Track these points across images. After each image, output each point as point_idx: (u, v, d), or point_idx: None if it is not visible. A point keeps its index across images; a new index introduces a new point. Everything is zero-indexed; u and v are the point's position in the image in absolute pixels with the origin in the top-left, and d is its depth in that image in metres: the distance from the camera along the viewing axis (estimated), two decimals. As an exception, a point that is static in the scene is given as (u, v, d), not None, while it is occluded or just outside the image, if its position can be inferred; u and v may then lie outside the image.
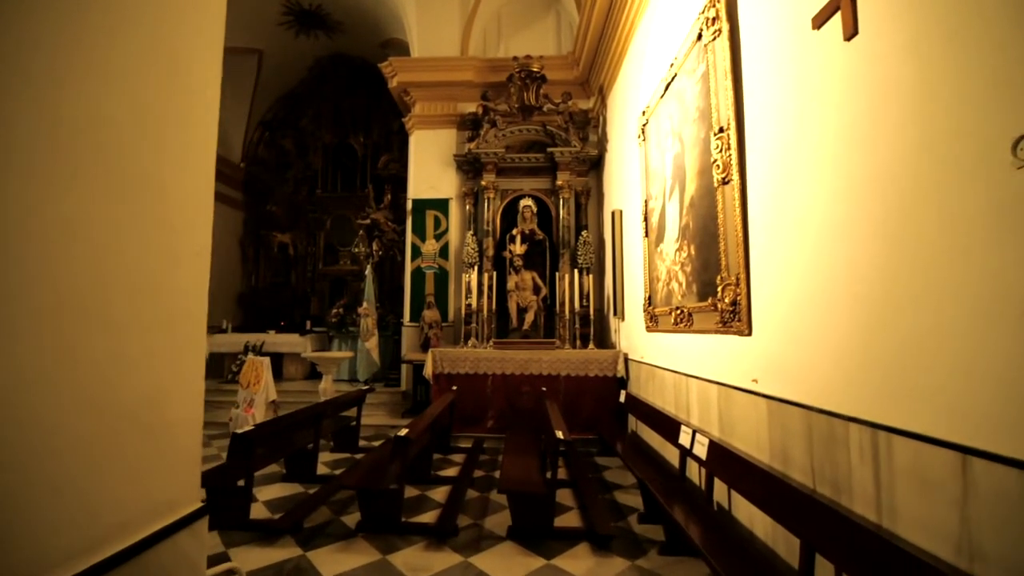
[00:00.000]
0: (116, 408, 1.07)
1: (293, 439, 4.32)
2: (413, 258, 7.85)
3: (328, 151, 11.90)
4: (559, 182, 7.22)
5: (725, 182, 3.01)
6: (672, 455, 3.82)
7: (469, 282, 7.00)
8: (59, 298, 0.97)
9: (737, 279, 2.87)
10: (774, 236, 2.58)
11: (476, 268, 7.04)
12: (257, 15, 9.70)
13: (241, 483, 3.32)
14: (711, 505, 2.94)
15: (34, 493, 0.94)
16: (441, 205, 7.83)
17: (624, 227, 5.94)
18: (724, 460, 2.76)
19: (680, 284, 3.85)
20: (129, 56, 1.15)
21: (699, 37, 3.36)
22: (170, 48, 1.30)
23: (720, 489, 2.99)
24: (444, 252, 7.79)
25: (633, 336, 5.51)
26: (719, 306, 3.06)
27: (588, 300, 6.72)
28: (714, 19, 3.11)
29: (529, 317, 6.95)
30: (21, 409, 0.91)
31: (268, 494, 3.93)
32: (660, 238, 4.39)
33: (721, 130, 3.04)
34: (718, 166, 3.06)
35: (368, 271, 8.24)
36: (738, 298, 2.86)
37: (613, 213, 6.17)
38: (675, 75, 3.90)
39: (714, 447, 2.88)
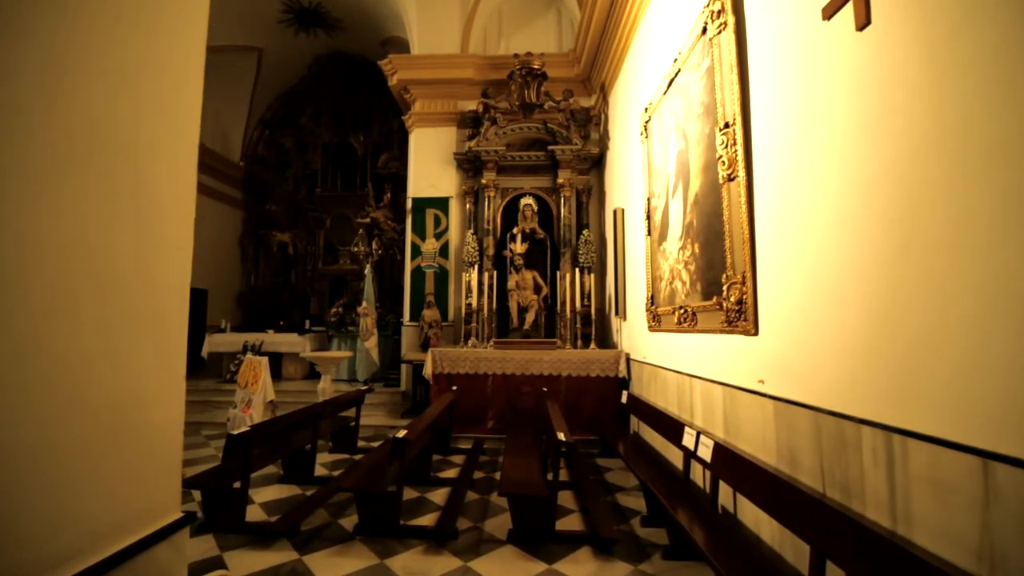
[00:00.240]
0: (85, 410, 1.00)
1: (291, 440, 4.27)
2: (413, 257, 7.79)
3: (328, 150, 11.85)
4: (560, 180, 7.16)
5: (731, 178, 2.94)
6: (675, 456, 3.76)
7: (469, 281, 6.94)
8: (22, 291, 0.91)
9: (743, 277, 2.80)
10: (781, 233, 2.52)
11: (476, 267, 6.98)
12: (257, 13, 9.65)
13: (237, 485, 3.26)
14: (716, 508, 2.87)
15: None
16: (441, 204, 7.77)
17: (626, 225, 5.88)
18: (729, 462, 2.69)
19: (684, 283, 3.79)
20: (107, 44, 1.09)
21: (704, 31, 3.30)
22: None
23: (725, 492, 2.93)
24: (444, 251, 7.73)
25: (635, 336, 5.44)
26: (724, 305, 3.00)
27: (589, 299, 6.66)
28: (719, 12, 3.05)
29: (530, 317, 6.89)
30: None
31: (265, 496, 3.87)
32: (663, 236, 4.32)
33: (727, 125, 2.97)
34: (723, 162, 3.00)
35: (368, 270, 8.18)
36: (744, 297, 2.79)
37: (615, 211, 6.11)
38: (679, 70, 3.83)
39: (719, 449, 2.82)
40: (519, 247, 7.04)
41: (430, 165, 7.90)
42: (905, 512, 1.68)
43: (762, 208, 2.70)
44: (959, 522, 1.48)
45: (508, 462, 3.64)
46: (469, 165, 7.48)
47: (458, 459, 4.98)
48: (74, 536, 0.99)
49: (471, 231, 7.26)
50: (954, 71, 1.54)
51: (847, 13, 2.00)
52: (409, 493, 3.87)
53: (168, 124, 1.27)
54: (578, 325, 6.59)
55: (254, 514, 3.48)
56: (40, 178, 0.95)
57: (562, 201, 7.19)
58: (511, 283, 6.99)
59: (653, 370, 4.70)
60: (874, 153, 1.87)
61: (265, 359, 5.78)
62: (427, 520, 3.40)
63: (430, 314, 7.30)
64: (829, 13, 2.10)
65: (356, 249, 9.67)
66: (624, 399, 5.26)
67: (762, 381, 2.64)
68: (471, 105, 7.74)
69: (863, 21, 1.91)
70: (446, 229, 7.74)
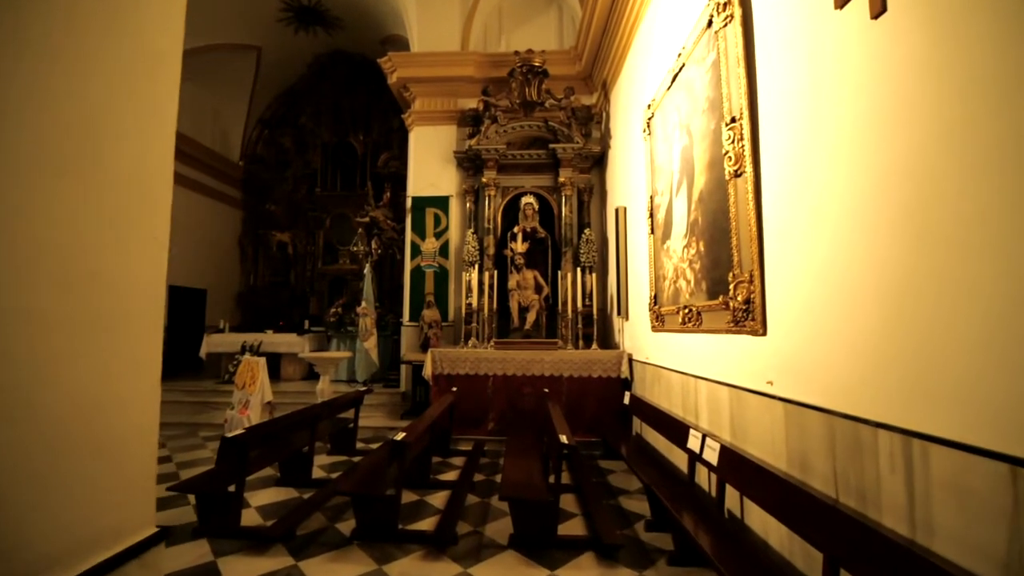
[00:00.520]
0: (43, 417, 0.91)
1: (288, 442, 4.19)
2: (413, 257, 7.71)
3: (328, 149, 11.77)
4: (561, 179, 7.09)
5: (737, 174, 2.87)
6: (679, 459, 3.68)
7: (469, 281, 6.87)
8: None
9: (751, 276, 2.73)
10: (789, 230, 2.45)
11: (477, 267, 6.90)
12: (256, 11, 9.58)
13: (232, 488, 3.19)
14: (722, 513, 2.80)
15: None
16: (441, 203, 7.70)
17: (628, 224, 5.80)
18: (737, 466, 2.62)
19: (688, 282, 3.71)
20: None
21: (709, 24, 3.23)
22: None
23: (731, 496, 2.85)
24: (444, 250, 7.66)
25: (638, 336, 5.37)
26: (731, 304, 2.92)
27: (591, 299, 6.58)
28: (725, 4, 2.98)
29: (531, 317, 6.82)
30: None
31: (261, 499, 3.80)
32: (667, 235, 4.25)
33: (733, 120, 2.90)
34: (730, 158, 2.92)
35: (367, 270, 8.11)
36: (752, 296, 2.72)
37: (617, 210, 6.03)
38: (683, 65, 3.76)
39: (726, 452, 2.74)
40: (520, 246, 6.97)
41: (430, 164, 7.82)
42: (925, 520, 1.61)
43: (770, 204, 2.62)
44: (985, 532, 1.41)
45: (509, 464, 3.56)
46: (469, 164, 7.41)
47: (458, 461, 4.91)
48: (24, 561, 0.90)
49: (471, 230, 7.18)
50: (976, 60, 1.47)
51: (861, 0, 1.92)
52: (408, 496, 3.79)
53: (139, 103, 1.18)
54: (579, 325, 6.51)
55: (250, 518, 3.41)
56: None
57: (563, 200, 7.11)
58: (512, 283, 6.91)
59: (656, 371, 4.62)
60: (887, 146, 1.80)
61: (263, 360, 5.72)
62: (426, 524, 3.33)
63: (430, 314, 7.23)
64: (843, 1, 2.03)
65: (355, 249, 9.59)
66: (626, 400, 5.19)
67: (771, 382, 2.57)
68: (471, 103, 7.67)
69: (879, 8, 1.83)
70: (446, 228, 7.67)
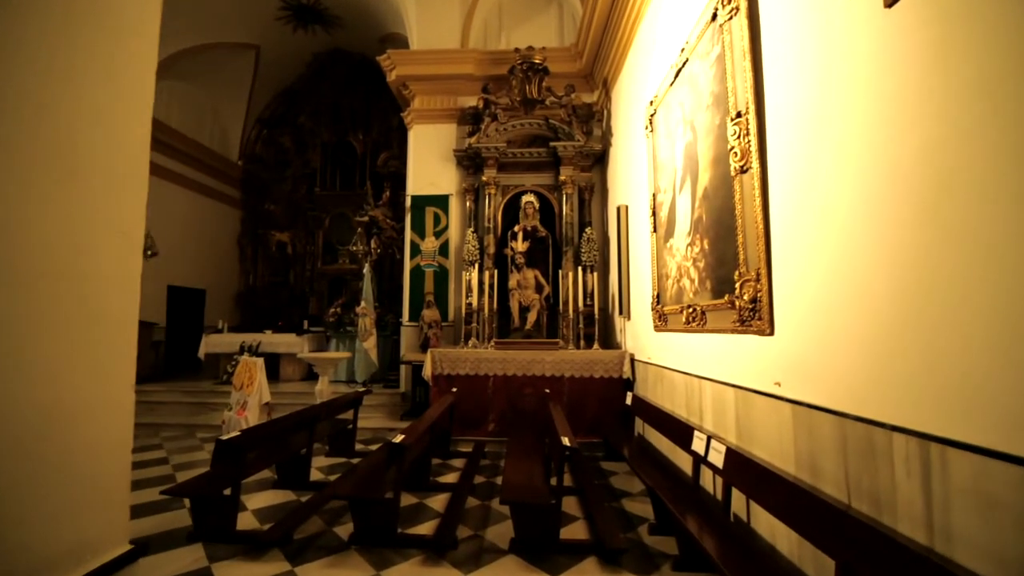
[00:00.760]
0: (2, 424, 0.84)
1: (286, 443, 4.13)
2: (412, 256, 7.65)
3: (327, 149, 11.72)
4: (562, 177, 7.02)
5: (743, 170, 2.81)
6: (683, 461, 3.62)
7: (470, 280, 6.81)
8: None
9: (757, 274, 2.67)
10: (797, 227, 2.38)
11: (477, 266, 6.84)
12: (254, 10, 9.52)
13: (228, 492, 3.13)
14: (728, 516, 2.73)
15: None
16: (441, 201, 7.63)
17: (630, 223, 5.74)
18: (743, 469, 2.55)
19: (692, 281, 3.65)
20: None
21: (714, 17, 3.16)
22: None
23: (737, 499, 2.79)
24: (444, 250, 7.59)
25: (640, 336, 5.30)
26: (737, 303, 2.86)
27: (592, 299, 6.51)
28: (730, -3, 2.91)
29: (531, 316, 6.75)
30: None
31: (258, 502, 3.74)
32: (670, 233, 4.19)
33: (739, 115, 2.84)
34: (735, 153, 2.86)
35: (366, 270, 8.04)
36: (759, 295, 2.65)
37: (618, 208, 5.97)
38: (686, 60, 3.70)
39: (732, 455, 2.68)
40: (520, 245, 6.90)
41: (429, 162, 7.76)
42: (944, 527, 1.54)
43: (777, 201, 2.56)
44: (1008, 540, 1.34)
45: (510, 466, 3.50)
46: (469, 162, 7.34)
47: (458, 463, 4.84)
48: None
49: (471, 229, 7.12)
50: (995, 51, 1.40)
51: (874, -12, 1.86)
52: (407, 499, 3.73)
53: (104, 79, 1.09)
54: (581, 325, 6.45)
55: (246, 522, 3.35)
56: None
57: (564, 198, 7.05)
58: (512, 282, 6.85)
59: (659, 371, 4.56)
60: (899, 141, 1.75)
61: (261, 360, 5.66)
62: (426, 528, 3.27)
63: (430, 314, 7.16)
64: (854, -10, 1.96)
65: (355, 248, 9.52)
66: (628, 401, 5.13)
67: (778, 383, 2.50)
68: (471, 101, 7.61)
69: (893, -4, 1.77)
70: (446, 227, 7.60)
